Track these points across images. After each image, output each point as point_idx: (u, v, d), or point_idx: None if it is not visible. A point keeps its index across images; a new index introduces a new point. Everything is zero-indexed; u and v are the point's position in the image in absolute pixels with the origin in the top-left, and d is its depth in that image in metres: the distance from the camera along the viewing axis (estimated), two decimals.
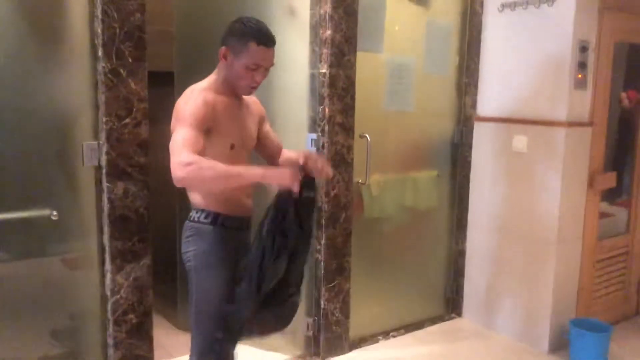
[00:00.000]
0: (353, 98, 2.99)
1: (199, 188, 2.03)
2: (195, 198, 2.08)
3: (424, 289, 3.68)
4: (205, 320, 2.10)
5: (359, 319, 3.28)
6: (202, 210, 2.06)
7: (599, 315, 3.35)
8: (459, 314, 3.74)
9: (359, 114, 3.05)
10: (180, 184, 1.83)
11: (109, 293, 2.40)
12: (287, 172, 1.90)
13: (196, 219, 2.07)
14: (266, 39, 1.99)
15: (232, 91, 2.07)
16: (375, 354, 3.22)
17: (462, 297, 3.72)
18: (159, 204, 3.76)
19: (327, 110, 2.91)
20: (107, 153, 2.32)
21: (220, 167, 1.84)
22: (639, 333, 3.56)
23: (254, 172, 1.90)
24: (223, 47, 2.02)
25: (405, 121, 3.39)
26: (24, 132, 2.23)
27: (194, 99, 1.96)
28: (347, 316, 3.15)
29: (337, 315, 3.11)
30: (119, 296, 2.41)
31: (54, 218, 2.29)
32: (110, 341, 2.43)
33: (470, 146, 3.57)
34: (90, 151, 2.34)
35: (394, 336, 3.44)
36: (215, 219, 2.06)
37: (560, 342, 3.24)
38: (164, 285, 3.67)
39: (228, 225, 2.08)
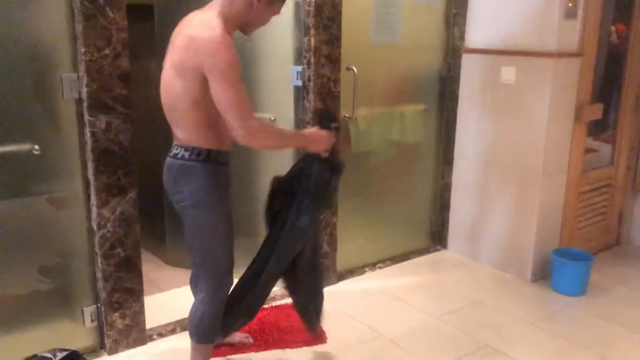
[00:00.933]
0: (339, 28, 2.92)
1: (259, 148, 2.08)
2: (185, 135, 2.02)
3: (410, 222, 3.72)
4: (216, 256, 2.13)
5: (346, 252, 3.32)
6: (193, 148, 2.02)
7: (581, 246, 3.43)
8: (444, 246, 3.80)
9: (345, 46, 2.99)
10: (248, 145, 1.97)
11: (95, 227, 2.40)
12: (325, 138, 2.14)
13: (187, 157, 2.02)
14: None
15: (234, 29, 2.02)
16: (362, 284, 3.29)
17: (447, 230, 3.77)
18: (143, 138, 3.73)
19: (312, 40, 2.85)
20: (88, 85, 2.26)
21: (279, 131, 2.09)
22: (619, 262, 3.66)
23: (301, 138, 2.15)
24: None
25: (393, 54, 3.33)
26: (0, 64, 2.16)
27: (226, 45, 1.88)
28: (334, 249, 3.19)
29: (324, 247, 3.15)
30: (105, 230, 2.41)
31: (36, 152, 2.25)
32: (99, 275, 2.45)
33: (457, 79, 3.53)
34: (70, 83, 2.28)
35: (380, 267, 3.51)
36: (208, 155, 2.02)
37: (542, 272, 3.32)
38: (151, 221, 3.68)
39: (220, 161, 2.06)
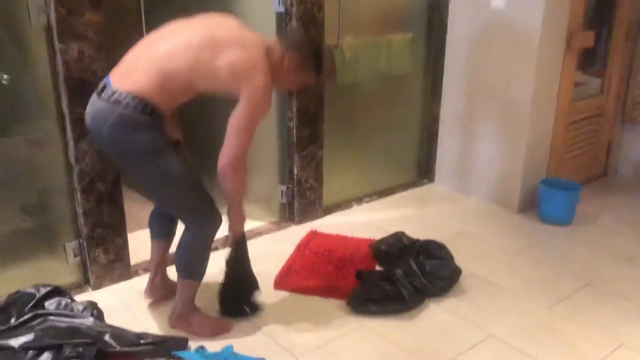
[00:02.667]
0: None
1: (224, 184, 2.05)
2: (140, 83, 1.91)
3: (397, 155, 3.68)
4: (187, 194, 2.09)
5: (333, 187, 3.28)
6: (141, 100, 1.90)
7: (569, 176, 3.41)
8: (431, 180, 3.77)
9: None
10: (221, 173, 2.01)
11: (73, 162, 2.32)
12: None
13: (132, 107, 1.89)
14: None
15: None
16: (348, 218, 3.27)
17: (434, 163, 3.73)
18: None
19: None
20: (56, 11, 2.13)
21: (241, 191, 2.12)
22: (605, 193, 3.66)
23: (239, 209, 2.17)
24: (294, 53, 2.05)
25: None
26: None
27: (266, 85, 1.98)
28: (320, 183, 3.15)
29: (310, 182, 3.10)
30: (84, 164, 2.33)
31: (4, 82, 2.14)
32: (79, 210, 2.39)
33: (446, 6, 3.40)
34: (37, 8, 2.14)
35: (367, 202, 3.48)
36: (153, 111, 1.93)
37: (530, 202, 3.31)
38: None
39: (160, 117, 1.97)
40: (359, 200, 3.47)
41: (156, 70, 1.93)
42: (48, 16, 2.15)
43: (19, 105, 2.23)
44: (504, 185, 3.34)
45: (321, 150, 3.09)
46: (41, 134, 2.31)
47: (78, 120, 2.25)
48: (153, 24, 2.72)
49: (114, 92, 1.92)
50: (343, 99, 3.24)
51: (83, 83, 2.24)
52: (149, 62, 1.95)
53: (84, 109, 2.24)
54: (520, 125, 3.18)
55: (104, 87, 1.96)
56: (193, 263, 2.16)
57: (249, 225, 3.13)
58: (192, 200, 2.10)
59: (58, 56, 2.19)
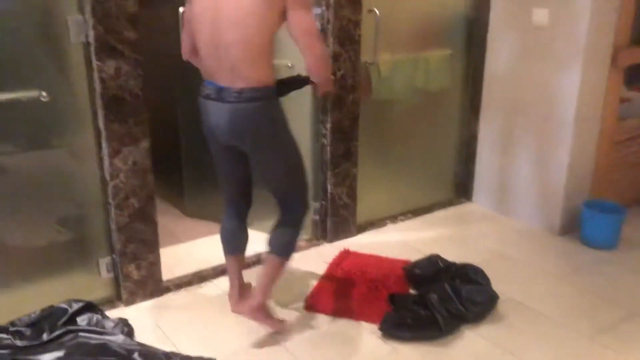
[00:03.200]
0: None
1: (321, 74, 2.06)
2: (264, 75, 2.01)
3: (434, 173, 3.60)
4: (301, 172, 2.25)
5: (367, 204, 3.23)
6: (269, 87, 2.03)
7: (613, 198, 3.27)
8: (469, 199, 3.68)
9: None
10: (316, 70, 2.01)
11: (108, 177, 2.34)
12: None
13: (268, 96, 2.03)
14: None
15: None
16: (383, 237, 3.21)
17: (472, 182, 3.64)
18: (156, 86, 3.65)
19: None
20: (95, 28, 2.15)
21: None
22: None
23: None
24: None
25: None
26: (0, 6, 2.05)
27: None
28: (354, 200, 3.10)
29: (344, 199, 3.06)
30: (118, 180, 2.35)
31: (43, 99, 2.17)
32: (113, 226, 2.40)
33: (486, 22, 3.33)
34: (76, 26, 2.17)
35: (402, 220, 3.41)
36: (276, 90, 2.07)
37: (572, 225, 3.19)
38: (170, 172, 3.63)
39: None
40: (394, 218, 3.41)
41: (253, 56, 1.97)
42: (87, 34, 2.18)
43: (57, 120, 2.26)
44: (545, 206, 3.23)
45: (355, 167, 3.04)
46: (75, 143, 2.33)
47: (113, 137, 2.27)
48: None
49: (242, 90, 1.99)
50: (379, 115, 3.19)
51: (119, 100, 2.26)
52: (239, 55, 1.96)
53: (120, 126, 2.28)
54: (562, 144, 3.07)
55: (220, 90, 2.02)
56: (293, 242, 2.29)
57: None
58: (304, 178, 2.27)
59: (95, 73, 2.21)
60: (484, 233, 3.26)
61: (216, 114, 2.07)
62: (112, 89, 2.24)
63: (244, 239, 2.44)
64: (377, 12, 2.87)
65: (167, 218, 3.41)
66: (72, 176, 2.35)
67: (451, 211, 3.58)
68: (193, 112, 3.32)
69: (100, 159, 2.35)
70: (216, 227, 3.28)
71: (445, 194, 3.68)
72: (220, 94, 2.03)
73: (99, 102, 2.25)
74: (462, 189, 3.70)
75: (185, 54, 2.21)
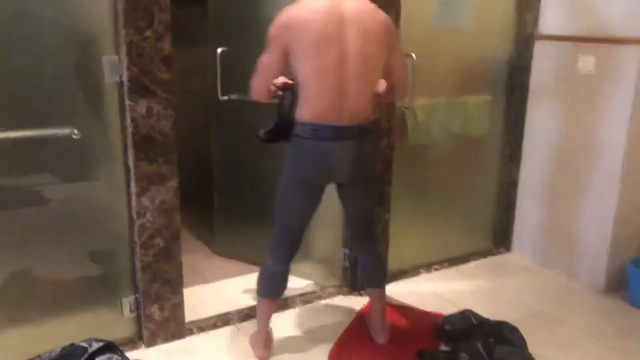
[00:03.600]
0: (398, 10, 2.71)
1: None
2: (363, 107, 2.15)
3: (471, 221, 3.47)
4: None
5: (400, 251, 3.12)
6: (369, 122, 2.23)
7: None
8: (508, 249, 3.53)
9: (404, 30, 2.77)
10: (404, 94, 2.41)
11: (135, 216, 2.32)
12: None
13: (370, 129, 2.24)
14: None
15: None
16: (415, 286, 3.08)
17: (511, 232, 3.49)
18: (191, 124, 3.67)
19: None
20: (128, 68, 2.17)
21: None
22: None
23: None
24: None
25: (457, 39, 3.08)
26: (39, 43, 2.09)
27: None
28: (386, 247, 3.00)
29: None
30: (145, 219, 2.33)
31: (75, 137, 2.18)
32: (137, 265, 2.38)
33: (528, 69, 3.24)
34: (111, 66, 2.20)
35: (436, 269, 3.28)
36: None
37: (618, 283, 3.00)
38: (202, 209, 3.62)
39: None
40: (428, 267, 3.28)
41: (370, 98, 2.17)
42: (121, 74, 2.20)
43: (88, 157, 2.27)
44: (588, 261, 3.05)
45: (388, 212, 2.95)
46: (105, 180, 2.33)
47: (142, 176, 2.27)
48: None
49: (360, 128, 2.14)
50: (414, 160, 3.11)
51: (149, 140, 2.26)
52: (362, 99, 2.12)
53: (149, 165, 2.27)
54: (608, 196, 2.92)
55: (341, 130, 2.10)
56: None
57: (309, 286, 3.02)
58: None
59: (127, 112, 2.22)
60: (522, 287, 3.09)
61: (337, 152, 2.12)
62: (143, 128, 2.24)
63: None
64: (414, 56, 2.82)
65: (195, 256, 3.38)
66: (101, 213, 2.34)
67: (489, 262, 3.43)
68: (228, 149, 3.38)
69: (129, 197, 2.34)
70: (244, 267, 3.25)
71: (482, 243, 3.53)
72: (342, 133, 2.10)
73: (129, 141, 2.25)
74: (500, 238, 3.55)
75: (259, 94, 2.19)
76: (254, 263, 3.24)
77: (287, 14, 2.04)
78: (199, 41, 3.38)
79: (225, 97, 3.04)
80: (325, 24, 2.00)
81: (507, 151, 3.42)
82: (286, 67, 2.11)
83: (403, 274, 3.18)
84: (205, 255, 3.47)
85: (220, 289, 3.04)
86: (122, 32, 2.14)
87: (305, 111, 2.11)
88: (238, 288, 3.01)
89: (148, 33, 2.18)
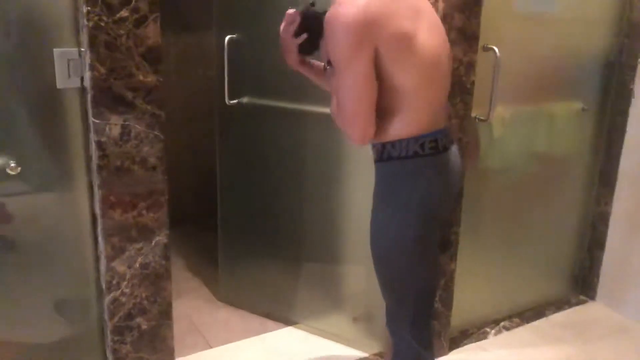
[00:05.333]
0: None
1: None
2: (444, 114, 1.61)
3: (547, 263, 2.72)
4: None
5: (462, 306, 2.37)
6: None
7: None
8: (591, 297, 2.77)
9: (484, 16, 2.01)
10: None
11: (104, 287, 1.56)
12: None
13: None
14: None
15: None
16: (485, 357, 2.33)
17: (597, 275, 2.74)
18: (192, 131, 2.95)
19: (440, 4, 1.87)
20: (93, 67, 1.40)
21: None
22: None
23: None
24: None
25: (545, 29, 2.31)
26: None
27: None
28: (449, 307, 2.25)
29: (435, 306, 2.21)
30: (118, 292, 1.57)
31: (11, 172, 1.42)
32: (109, 356, 1.62)
33: (633, 67, 2.47)
34: (66, 64, 1.43)
35: (506, 328, 2.53)
36: None
37: None
38: (200, 245, 2.89)
39: None
40: (496, 324, 2.53)
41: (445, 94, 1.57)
42: (82, 77, 1.43)
43: (36, 201, 1.51)
44: None
45: (454, 262, 2.20)
46: (62, 237, 1.58)
47: (113, 230, 1.51)
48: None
49: (442, 138, 1.50)
50: (484, 189, 2.35)
51: (125, 174, 1.49)
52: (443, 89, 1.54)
53: (124, 213, 1.51)
54: None
55: (446, 133, 1.52)
56: None
57: (344, 353, 2.28)
58: None
59: (92, 134, 1.45)
60: (619, 352, 2.35)
61: (454, 167, 1.55)
62: (114, 157, 1.47)
63: None
64: (497, 50, 2.06)
65: (192, 303, 2.65)
66: (57, 280, 1.59)
67: (570, 315, 2.67)
68: (237, 169, 2.61)
69: (96, 261, 1.58)
70: (256, 322, 2.51)
71: (558, 289, 2.78)
72: (448, 136, 1.53)
73: (94, 177, 1.48)
74: (582, 283, 2.79)
75: (367, 134, 1.43)
76: (267, 316, 2.51)
77: (363, 5, 1.29)
78: (202, 26, 2.61)
79: (234, 101, 2.30)
80: (408, 10, 1.37)
81: (597, 175, 2.65)
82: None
83: (466, 337, 2.43)
84: (204, 301, 2.71)
85: (226, 356, 2.28)
86: (84, 10, 1.37)
87: (410, 123, 1.45)
88: (248, 355, 2.27)
89: (123, 13, 1.40)
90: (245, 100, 2.31)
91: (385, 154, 1.47)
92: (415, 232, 1.47)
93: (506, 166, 2.36)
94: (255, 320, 2.53)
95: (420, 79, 1.41)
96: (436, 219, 1.53)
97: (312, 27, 1.46)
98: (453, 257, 2.18)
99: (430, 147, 1.46)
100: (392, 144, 1.46)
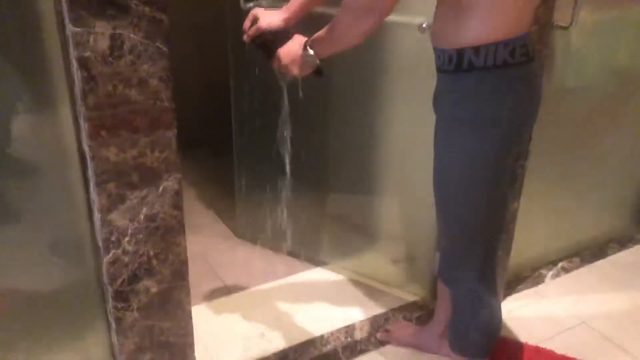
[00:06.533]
0: None
1: None
2: None
3: (611, 196, 2.37)
4: None
5: (517, 246, 2.05)
6: None
7: None
8: None
9: None
10: None
11: (101, 246, 1.23)
12: None
13: None
14: None
15: None
16: (543, 305, 2.03)
17: None
18: (201, 41, 2.61)
19: None
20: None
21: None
22: None
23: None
24: None
25: None
26: None
27: None
28: (507, 252, 1.93)
29: None
30: (120, 250, 1.24)
31: None
32: (112, 325, 1.32)
33: None
34: None
35: (564, 269, 2.23)
36: None
37: None
38: (214, 157, 2.62)
39: None
40: (553, 265, 2.23)
41: None
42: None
43: (10, 137, 1.16)
44: None
45: (517, 201, 1.86)
46: (50, 193, 1.24)
47: (108, 173, 1.16)
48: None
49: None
50: (552, 113, 1.96)
51: (121, 101, 1.12)
52: None
53: (120, 151, 1.16)
54: None
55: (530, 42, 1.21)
56: None
57: (386, 297, 1.98)
58: None
59: (71, 48, 1.07)
60: None
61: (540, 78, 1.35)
62: (104, 79, 1.09)
63: None
64: None
65: (209, 240, 2.35)
66: (45, 238, 1.27)
67: (633, 254, 2.37)
68: (251, 89, 2.21)
69: (89, 213, 1.25)
70: (278, 260, 2.21)
71: (623, 224, 2.46)
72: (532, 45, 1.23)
73: (79, 106, 1.12)
74: None
75: (369, 28, 1.19)
76: (292, 255, 2.22)
77: None
78: None
79: (251, 4, 1.89)
80: None
81: None
82: None
83: (520, 281, 2.13)
84: (221, 236, 2.42)
85: (250, 306, 1.99)
86: None
87: (496, 22, 1.14)
88: (279, 304, 1.99)
89: None
90: (264, 2, 1.90)
91: (465, 63, 1.15)
92: (498, 156, 1.21)
93: (581, 85, 1.96)
94: (279, 260, 2.24)
95: None
96: (520, 140, 1.29)
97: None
98: (517, 195, 1.84)
99: (522, 54, 1.17)
100: (475, 50, 1.14)
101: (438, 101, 1.28)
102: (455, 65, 1.17)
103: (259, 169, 2.20)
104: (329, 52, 1.29)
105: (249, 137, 2.19)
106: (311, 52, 1.30)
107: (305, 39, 1.33)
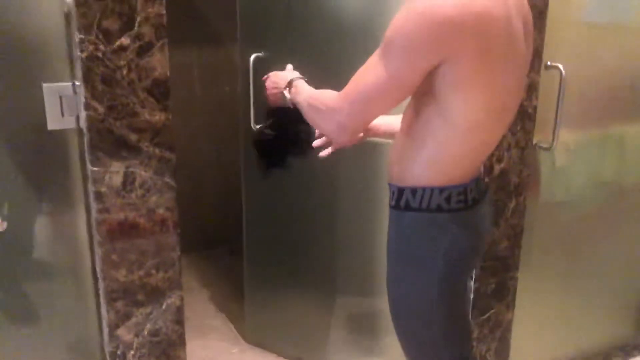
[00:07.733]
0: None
1: None
2: None
3: (613, 303, 2.40)
4: None
5: (517, 355, 2.08)
6: None
7: None
8: None
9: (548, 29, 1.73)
10: None
11: (108, 358, 1.34)
12: None
13: None
14: None
15: None
16: None
17: None
18: (216, 147, 2.77)
19: None
20: (88, 105, 1.18)
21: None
22: None
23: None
24: None
25: (616, 41, 2.01)
26: None
27: None
28: None
29: None
30: None
31: None
32: None
33: None
34: (60, 101, 1.21)
35: None
36: None
37: None
38: (224, 259, 2.69)
39: None
40: None
41: None
42: (77, 116, 1.21)
43: (27, 259, 1.30)
44: None
45: (511, 311, 1.92)
46: (63, 295, 1.37)
47: (117, 291, 1.28)
48: None
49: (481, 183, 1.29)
50: (544, 225, 2.06)
51: (130, 229, 1.26)
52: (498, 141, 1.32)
53: (129, 272, 1.29)
54: None
55: (481, 183, 1.28)
56: None
57: None
58: None
59: (90, 184, 1.23)
60: None
61: (486, 219, 1.32)
62: (115, 210, 1.25)
63: None
64: (562, 68, 1.77)
65: (213, 344, 2.42)
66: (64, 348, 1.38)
67: None
68: (264, 196, 2.37)
69: (100, 327, 1.36)
70: None
71: (627, 332, 2.46)
72: (482, 186, 1.29)
73: (95, 233, 1.26)
74: None
75: (354, 133, 1.24)
76: None
77: (458, 3, 1.00)
78: (227, 40, 2.40)
79: (259, 126, 2.08)
80: (508, 24, 1.08)
81: None
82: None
83: None
84: (228, 341, 2.48)
85: None
86: (77, 38, 1.15)
87: (445, 168, 1.17)
88: None
89: (124, 41, 1.17)
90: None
91: (402, 202, 1.18)
92: (441, 297, 1.20)
93: (570, 198, 2.06)
94: None
95: (493, 116, 1.13)
96: (465, 276, 1.27)
97: None
98: (510, 306, 1.90)
99: (458, 201, 1.18)
100: (412, 191, 1.17)
101: (388, 237, 1.26)
102: (395, 202, 1.19)
103: (267, 274, 2.30)
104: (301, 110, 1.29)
105: (259, 243, 2.32)
106: (288, 95, 1.30)
107: (295, 76, 1.34)
